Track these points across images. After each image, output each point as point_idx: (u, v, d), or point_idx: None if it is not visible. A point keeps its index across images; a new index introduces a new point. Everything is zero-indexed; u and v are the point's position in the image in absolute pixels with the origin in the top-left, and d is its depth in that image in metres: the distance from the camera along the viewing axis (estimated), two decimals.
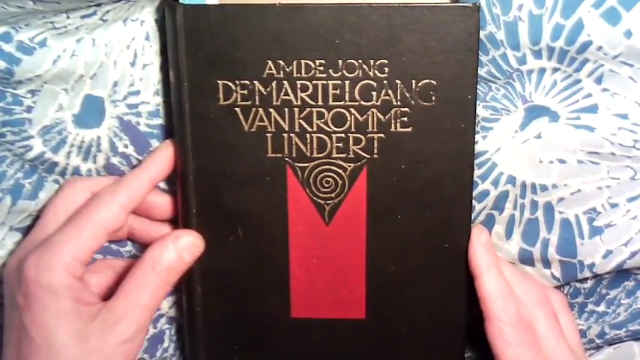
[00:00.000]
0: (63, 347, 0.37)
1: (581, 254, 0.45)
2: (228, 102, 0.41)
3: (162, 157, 0.42)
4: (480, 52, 0.41)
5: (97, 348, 0.37)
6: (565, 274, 0.45)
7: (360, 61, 0.40)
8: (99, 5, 0.42)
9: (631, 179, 0.43)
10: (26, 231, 0.44)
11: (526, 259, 0.46)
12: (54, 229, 0.40)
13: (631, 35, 0.40)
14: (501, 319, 0.41)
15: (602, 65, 0.41)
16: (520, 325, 0.41)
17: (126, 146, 0.44)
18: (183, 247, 0.41)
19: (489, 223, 0.46)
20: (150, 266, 0.40)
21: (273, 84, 0.40)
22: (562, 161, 0.43)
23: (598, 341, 0.48)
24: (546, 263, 0.45)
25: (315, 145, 0.41)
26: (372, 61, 0.40)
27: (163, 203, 0.44)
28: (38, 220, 0.42)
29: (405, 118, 0.41)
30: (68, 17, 0.41)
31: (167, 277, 0.40)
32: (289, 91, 0.40)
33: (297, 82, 0.40)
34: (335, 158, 0.42)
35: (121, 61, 0.42)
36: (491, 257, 0.42)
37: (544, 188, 0.44)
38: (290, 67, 0.40)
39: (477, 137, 0.43)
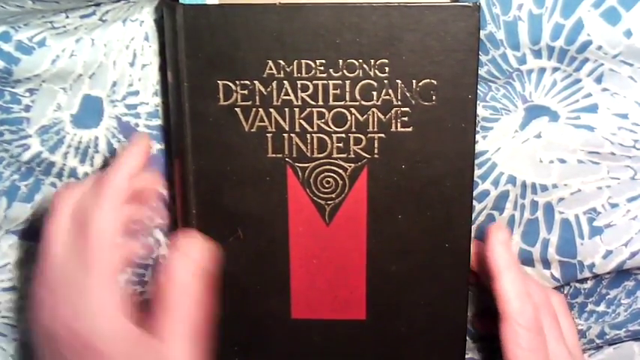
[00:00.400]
0: None
1: (581, 254, 0.45)
2: (228, 102, 0.41)
3: (139, 151, 0.41)
4: (479, 52, 0.41)
5: None
6: (565, 275, 0.45)
7: (360, 60, 0.40)
8: (98, 5, 0.42)
9: (631, 179, 0.43)
10: (21, 234, 0.44)
11: (526, 259, 0.46)
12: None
13: (631, 35, 0.40)
14: (518, 321, 0.40)
15: (602, 64, 0.41)
16: (536, 329, 0.40)
17: None
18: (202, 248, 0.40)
19: (489, 223, 0.46)
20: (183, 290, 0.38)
21: (274, 84, 0.40)
22: (562, 161, 0.43)
23: (598, 341, 0.48)
24: (546, 264, 0.45)
25: (315, 146, 0.41)
26: (372, 61, 0.40)
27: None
28: (42, 254, 0.39)
29: (406, 118, 0.41)
30: (67, 17, 0.41)
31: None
32: (289, 91, 0.40)
33: (298, 82, 0.40)
34: (335, 158, 0.41)
35: (120, 61, 0.42)
36: (511, 256, 0.41)
37: (544, 188, 0.44)
38: (290, 67, 0.40)
39: (477, 137, 0.43)
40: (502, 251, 0.41)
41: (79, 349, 0.36)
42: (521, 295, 0.40)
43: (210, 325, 0.39)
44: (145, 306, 0.38)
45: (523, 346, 0.40)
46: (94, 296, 0.36)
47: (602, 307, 0.48)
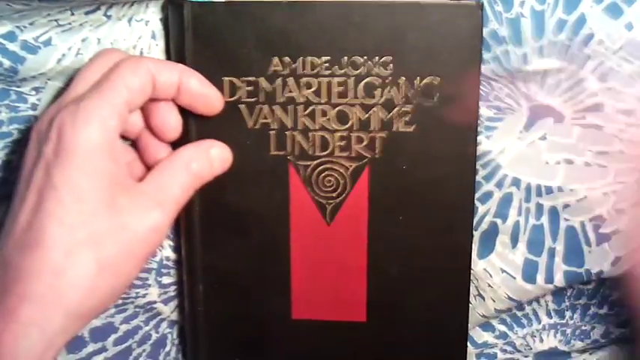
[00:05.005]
0: (94, 215, 0.35)
1: (589, 263, 0.44)
2: (233, 98, 0.41)
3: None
4: (482, 50, 0.41)
5: (127, 226, 0.35)
6: (569, 281, 0.45)
7: (364, 58, 0.40)
8: (103, 3, 0.43)
9: (637, 182, 0.43)
10: None
11: (530, 270, 0.45)
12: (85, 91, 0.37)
13: (632, 28, 0.40)
14: None
15: (604, 62, 0.41)
16: None
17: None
18: (215, 157, 0.40)
19: (493, 231, 0.45)
20: (183, 166, 0.39)
21: (278, 81, 0.40)
22: (569, 162, 0.43)
23: (602, 341, 0.48)
24: (550, 276, 0.45)
25: (317, 144, 0.41)
26: (376, 58, 0.40)
27: (173, 123, 0.41)
28: (68, 87, 0.38)
29: (408, 117, 0.41)
30: (72, 14, 0.42)
31: (194, 182, 0.39)
32: (294, 87, 0.41)
33: (302, 79, 0.40)
34: (337, 157, 0.41)
35: None
36: None
37: (549, 190, 0.44)
38: (295, 64, 0.40)
39: (482, 137, 0.43)
40: None
41: (59, 151, 0.35)
42: None
43: None
44: None
45: None
46: (92, 104, 0.36)
47: (604, 310, 0.47)
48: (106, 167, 0.35)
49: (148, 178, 0.38)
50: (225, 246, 0.43)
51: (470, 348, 0.48)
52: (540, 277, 0.45)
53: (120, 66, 0.37)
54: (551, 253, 0.44)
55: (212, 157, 0.40)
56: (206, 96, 0.40)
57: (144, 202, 0.37)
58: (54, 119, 0.35)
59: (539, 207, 0.44)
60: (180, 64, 0.39)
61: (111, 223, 0.35)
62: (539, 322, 0.47)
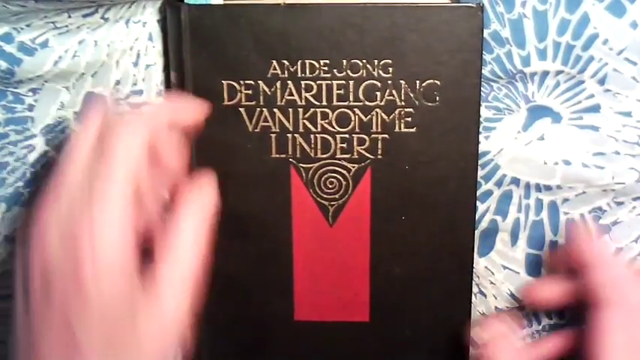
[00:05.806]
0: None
1: None
2: (232, 102, 0.41)
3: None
4: (483, 51, 0.41)
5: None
6: None
7: (364, 61, 0.40)
8: (101, 5, 0.42)
9: (636, 182, 0.43)
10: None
11: (533, 264, 0.45)
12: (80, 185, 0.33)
13: (637, 26, 0.40)
14: None
15: (607, 64, 0.41)
16: None
17: None
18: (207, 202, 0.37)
19: (493, 229, 0.45)
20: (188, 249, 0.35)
21: (278, 84, 0.40)
22: (567, 162, 0.43)
23: None
24: None
25: (319, 146, 0.41)
26: (376, 61, 0.40)
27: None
28: (57, 173, 0.33)
29: (409, 119, 0.41)
30: (70, 16, 0.41)
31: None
32: (293, 91, 0.40)
33: (302, 82, 0.40)
34: (339, 159, 0.41)
35: (124, 61, 0.42)
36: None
37: (548, 188, 0.44)
38: (294, 67, 0.40)
39: (480, 137, 0.43)
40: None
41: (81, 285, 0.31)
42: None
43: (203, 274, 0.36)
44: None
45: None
46: (99, 225, 0.32)
47: None
48: (129, 287, 0.32)
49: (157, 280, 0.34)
50: (227, 248, 0.43)
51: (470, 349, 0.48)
52: (545, 270, 0.45)
53: (118, 154, 0.33)
54: (553, 246, 0.45)
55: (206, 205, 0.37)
56: (189, 111, 0.38)
57: (159, 314, 0.33)
58: (66, 237, 0.31)
59: (539, 202, 0.44)
60: (156, 108, 0.36)
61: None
62: (539, 324, 0.48)
